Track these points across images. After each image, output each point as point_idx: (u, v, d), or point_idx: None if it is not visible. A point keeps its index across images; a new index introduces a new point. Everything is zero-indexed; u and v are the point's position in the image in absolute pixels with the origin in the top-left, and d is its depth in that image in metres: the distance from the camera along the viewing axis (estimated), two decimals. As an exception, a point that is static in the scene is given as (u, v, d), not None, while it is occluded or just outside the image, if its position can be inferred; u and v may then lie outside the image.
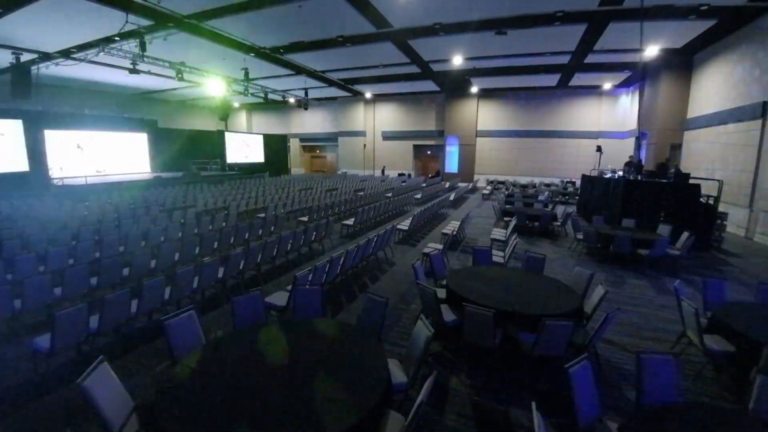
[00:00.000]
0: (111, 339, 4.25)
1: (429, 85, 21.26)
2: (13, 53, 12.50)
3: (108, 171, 19.42)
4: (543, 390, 3.53)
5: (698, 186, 9.07)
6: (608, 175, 11.88)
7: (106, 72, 16.02)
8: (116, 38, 11.39)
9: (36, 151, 16.25)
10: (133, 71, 12.24)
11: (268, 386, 2.40)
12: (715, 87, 12.33)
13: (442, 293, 4.42)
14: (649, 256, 7.03)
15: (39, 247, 6.26)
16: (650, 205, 9.13)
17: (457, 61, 15.28)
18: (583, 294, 4.46)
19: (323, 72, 18.18)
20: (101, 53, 11.95)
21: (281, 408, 2.20)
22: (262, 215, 9.92)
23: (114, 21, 9.95)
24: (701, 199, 9.10)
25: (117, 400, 2.45)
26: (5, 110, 15.53)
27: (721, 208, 9.51)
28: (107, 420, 2.24)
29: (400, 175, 25.31)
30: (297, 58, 15.38)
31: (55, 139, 17.40)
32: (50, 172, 16.73)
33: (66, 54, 13.17)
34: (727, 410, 2.50)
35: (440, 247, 6.84)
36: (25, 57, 13.06)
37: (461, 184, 20.60)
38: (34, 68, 13.55)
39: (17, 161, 15.64)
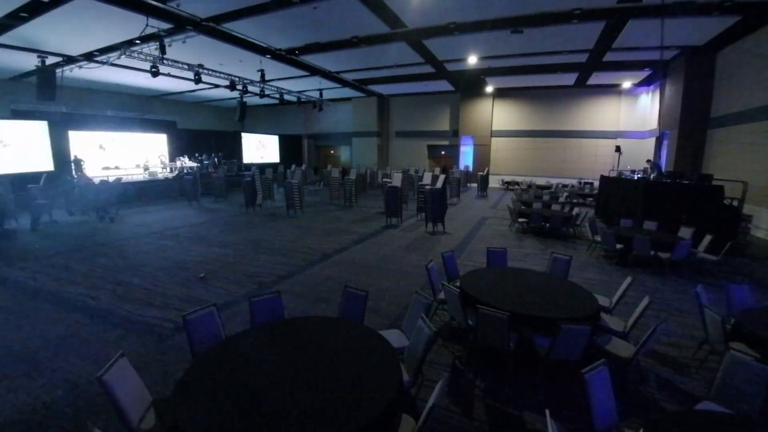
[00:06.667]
0: (131, 334, 4.36)
1: (443, 85, 21.11)
2: (38, 56, 12.90)
3: (128, 171, 19.92)
4: (558, 395, 3.47)
5: (721, 187, 8.77)
6: (627, 176, 11.61)
7: (128, 74, 16.43)
8: (137, 41, 11.66)
9: (61, 152, 16.82)
10: (154, 74, 12.55)
11: (282, 384, 2.43)
12: (739, 85, 11.91)
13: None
14: (670, 260, 6.84)
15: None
16: (672, 207, 8.86)
17: (472, 60, 15.15)
18: (617, 301, 4.51)
19: (337, 73, 18.27)
20: (123, 56, 12.30)
21: (294, 405, 2.22)
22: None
23: (135, 24, 10.19)
24: (725, 201, 8.81)
25: (135, 394, 2.51)
26: (31, 111, 16.16)
27: (746, 210, 9.18)
28: (126, 413, 2.30)
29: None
30: (312, 59, 15.48)
31: (78, 140, 17.97)
32: (74, 172, 17.27)
33: (89, 57, 13.54)
34: (750, 419, 2.41)
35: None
36: (50, 60, 13.48)
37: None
38: (58, 71, 13.98)
39: (43, 161, 16.23)
